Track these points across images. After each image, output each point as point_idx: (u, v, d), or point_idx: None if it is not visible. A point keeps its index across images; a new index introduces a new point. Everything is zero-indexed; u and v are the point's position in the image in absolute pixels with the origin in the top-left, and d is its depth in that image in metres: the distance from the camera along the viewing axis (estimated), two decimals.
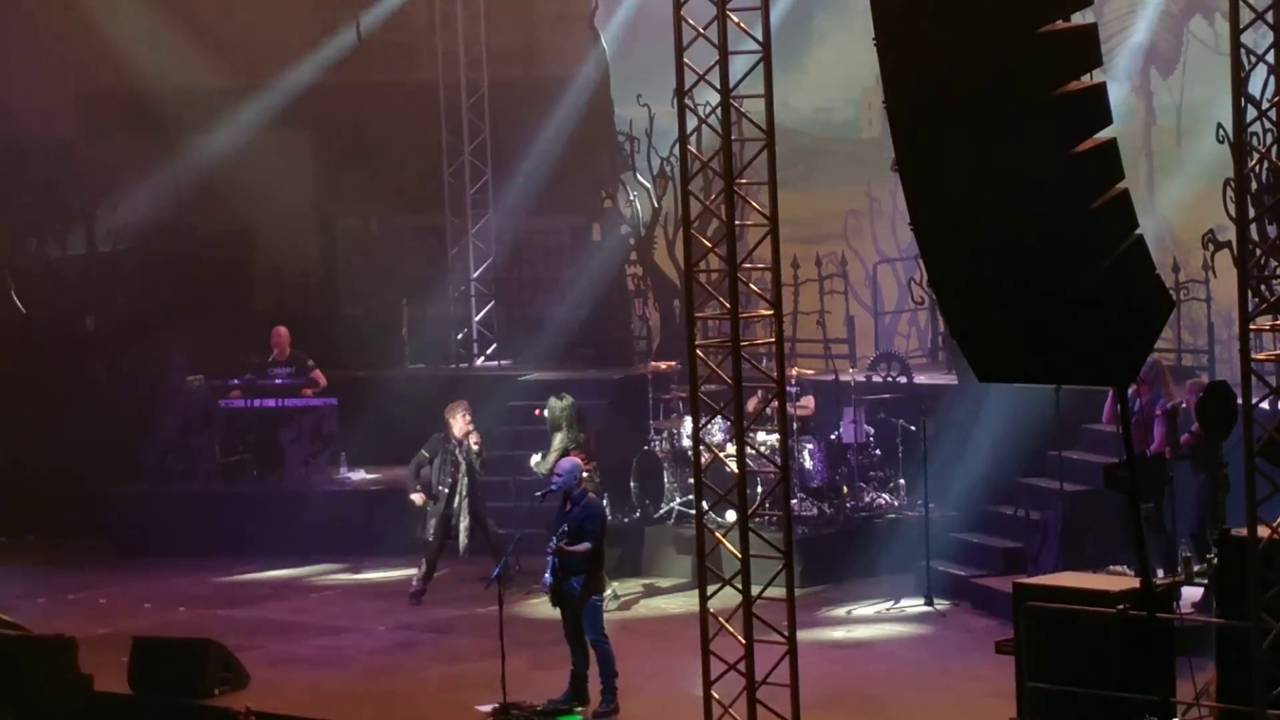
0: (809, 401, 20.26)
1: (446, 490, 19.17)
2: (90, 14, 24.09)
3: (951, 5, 10.74)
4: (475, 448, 19.23)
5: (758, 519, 16.24)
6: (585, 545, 15.08)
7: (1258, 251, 12.42)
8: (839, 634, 17.53)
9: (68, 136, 24.70)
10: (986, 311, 11.28)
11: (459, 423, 19.22)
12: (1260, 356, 12.71)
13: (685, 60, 13.25)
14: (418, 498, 19.27)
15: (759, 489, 18.28)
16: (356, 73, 25.47)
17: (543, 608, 16.46)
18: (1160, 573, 16.11)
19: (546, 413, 18.85)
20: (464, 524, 19.18)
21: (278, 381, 22.27)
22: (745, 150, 13.80)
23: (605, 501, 17.91)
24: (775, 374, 13.59)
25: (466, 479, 19.19)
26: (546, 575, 15.45)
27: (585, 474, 17.76)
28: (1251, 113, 12.27)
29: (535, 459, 18.90)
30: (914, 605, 18.27)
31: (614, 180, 24.25)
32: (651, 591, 19.40)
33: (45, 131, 24.24)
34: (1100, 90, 10.73)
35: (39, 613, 18.97)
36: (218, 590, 20.28)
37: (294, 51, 24.95)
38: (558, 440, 18.62)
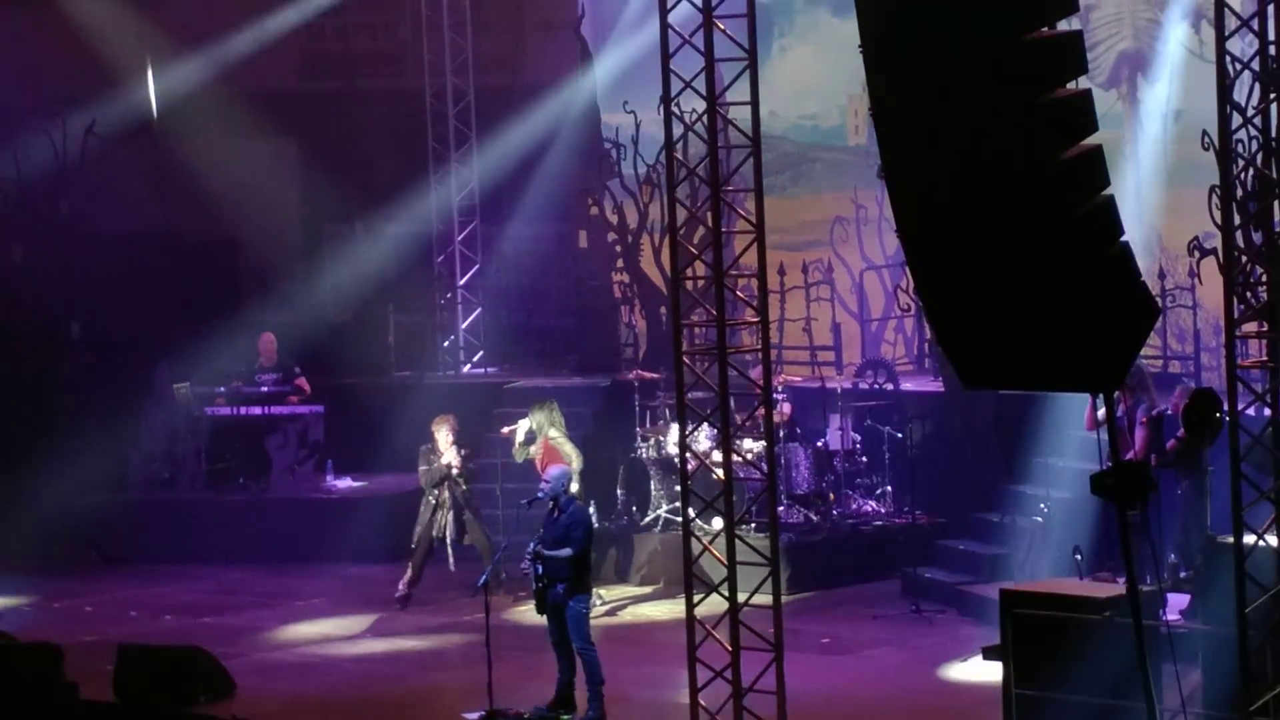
0: (785, 407, 20.23)
1: (434, 501, 19.15)
2: (76, 19, 24.07)
3: (937, 12, 10.74)
4: (455, 470, 19.13)
5: (744, 526, 16.28)
6: (566, 551, 15.06)
7: (1243, 258, 12.45)
8: (825, 641, 17.52)
9: (54, 143, 24.66)
10: (972, 318, 11.28)
11: (443, 438, 19.20)
12: (1246, 364, 12.74)
13: (672, 67, 13.26)
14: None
15: (746, 496, 18.30)
16: (343, 80, 25.47)
17: (529, 615, 16.44)
18: (1147, 579, 16.12)
19: (531, 420, 18.74)
20: (449, 537, 19.16)
21: (264, 389, 22.26)
22: (731, 157, 13.81)
23: (591, 508, 17.94)
24: (761, 381, 13.60)
25: (449, 494, 19.17)
26: (524, 565, 15.43)
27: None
28: (1237, 119, 12.30)
29: (522, 431, 18.74)
30: (900, 612, 18.27)
31: (600, 187, 24.26)
32: (638, 599, 19.39)
33: (31, 138, 24.22)
34: (1086, 97, 10.74)
35: (24, 621, 18.96)
36: (204, 598, 20.25)
37: (280, 58, 24.95)
38: (554, 431, 18.56)
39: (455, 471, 19.09)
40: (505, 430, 19.18)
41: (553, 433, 18.58)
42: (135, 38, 24.40)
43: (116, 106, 24.55)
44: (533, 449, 18.62)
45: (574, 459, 18.32)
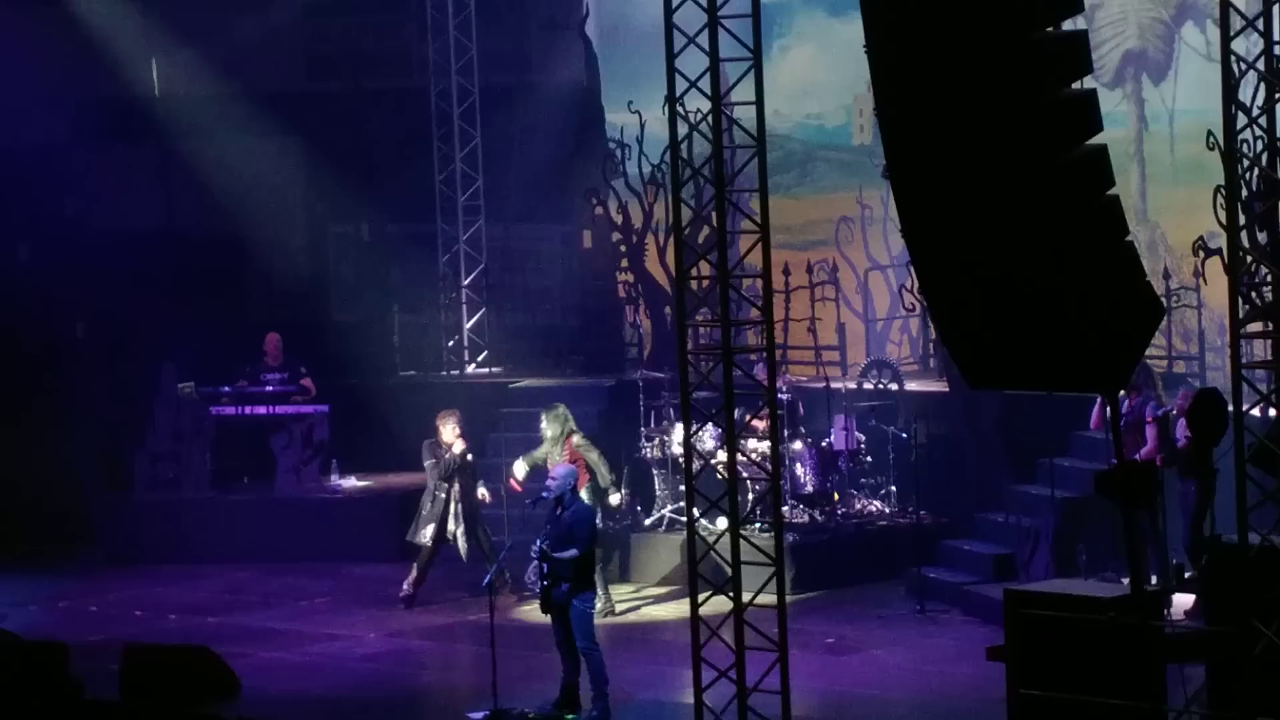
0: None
1: (444, 495, 19.16)
2: (83, 20, 24.09)
3: (942, 12, 10.75)
4: (470, 456, 19.18)
5: (749, 526, 16.27)
6: (572, 552, 15.05)
7: (1248, 258, 12.43)
8: (830, 641, 17.52)
9: (59, 143, 24.68)
10: (977, 318, 11.29)
11: (448, 431, 19.20)
12: (1251, 363, 12.72)
13: (676, 67, 13.26)
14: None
15: (750, 496, 18.29)
16: (348, 80, 25.48)
17: (534, 614, 16.45)
18: (1153, 579, 16.12)
19: (548, 427, 18.58)
20: (460, 530, 19.18)
21: (269, 389, 22.26)
22: (736, 157, 13.81)
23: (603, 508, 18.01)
24: (766, 381, 13.60)
25: (459, 486, 19.19)
26: (530, 574, 15.34)
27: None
28: (1242, 120, 12.28)
29: (520, 471, 18.76)
30: (905, 612, 18.27)
31: (605, 187, 24.26)
32: (642, 599, 19.38)
33: (37, 138, 24.23)
34: (1091, 97, 10.74)
35: (30, 620, 18.95)
36: (209, 597, 20.25)
37: (285, 58, 24.97)
38: (578, 438, 18.49)
39: (470, 457, 19.11)
40: (517, 482, 18.88)
41: (577, 439, 18.51)
42: (141, 36, 24.41)
43: (122, 106, 24.55)
44: (555, 452, 18.33)
45: (602, 471, 18.45)
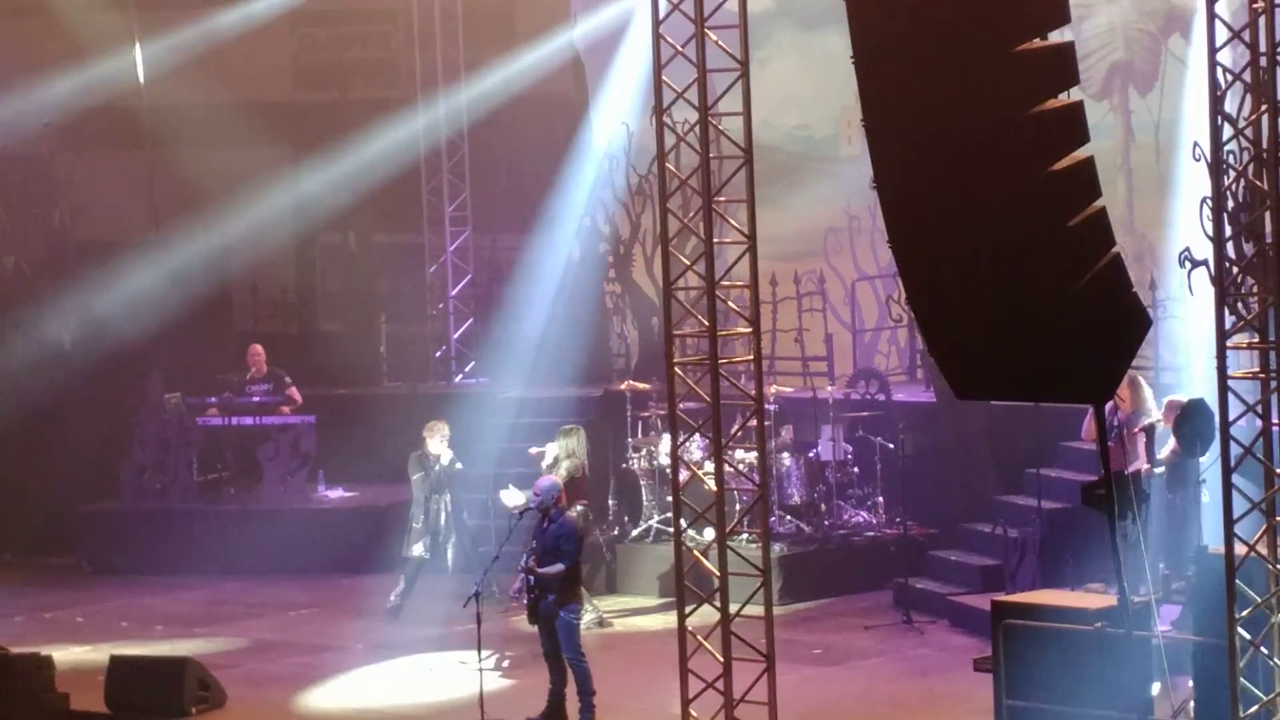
0: (785, 432, 20.28)
1: (435, 508, 19.14)
2: (70, 28, 24.06)
3: (929, 24, 10.76)
4: (459, 465, 19.20)
5: (736, 536, 16.27)
6: (559, 567, 15.03)
7: (1234, 270, 12.45)
8: (817, 652, 17.52)
9: (46, 151, 24.65)
10: (964, 329, 11.30)
11: (436, 443, 19.18)
12: (1237, 374, 12.74)
13: (664, 78, 13.27)
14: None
15: (737, 507, 18.28)
16: (335, 90, 25.46)
17: (521, 625, 16.44)
18: (1140, 590, 16.12)
19: (561, 446, 18.56)
20: (450, 540, 19.18)
21: (255, 399, 22.24)
22: (724, 168, 13.82)
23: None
24: (754, 392, 13.61)
25: (448, 497, 19.18)
26: (516, 586, 15.34)
27: (580, 509, 17.86)
28: (1228, 131, 12.30)
29: (550, 455, 18.70)
30: (892, 623, 18.27)
31: (592, 198, 24.24)
32: (629, 609, 19.37)
33: (23, 146, 24.20)
34: (1078, 108, 10.76)
35: (16, 631, 18.91)
36: (195, 608, 20.23)
37: (273, 67, 24.94)
38: (571, 464, 18.56)
39: (459, 466, 19.10)
40: (534, 451, 18.97)
41: (571, 464, 18.59)
42: (128, 44, 24.38)
43: (109, 115, 24.52)
44: (561, 471, 18.33)
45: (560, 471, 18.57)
